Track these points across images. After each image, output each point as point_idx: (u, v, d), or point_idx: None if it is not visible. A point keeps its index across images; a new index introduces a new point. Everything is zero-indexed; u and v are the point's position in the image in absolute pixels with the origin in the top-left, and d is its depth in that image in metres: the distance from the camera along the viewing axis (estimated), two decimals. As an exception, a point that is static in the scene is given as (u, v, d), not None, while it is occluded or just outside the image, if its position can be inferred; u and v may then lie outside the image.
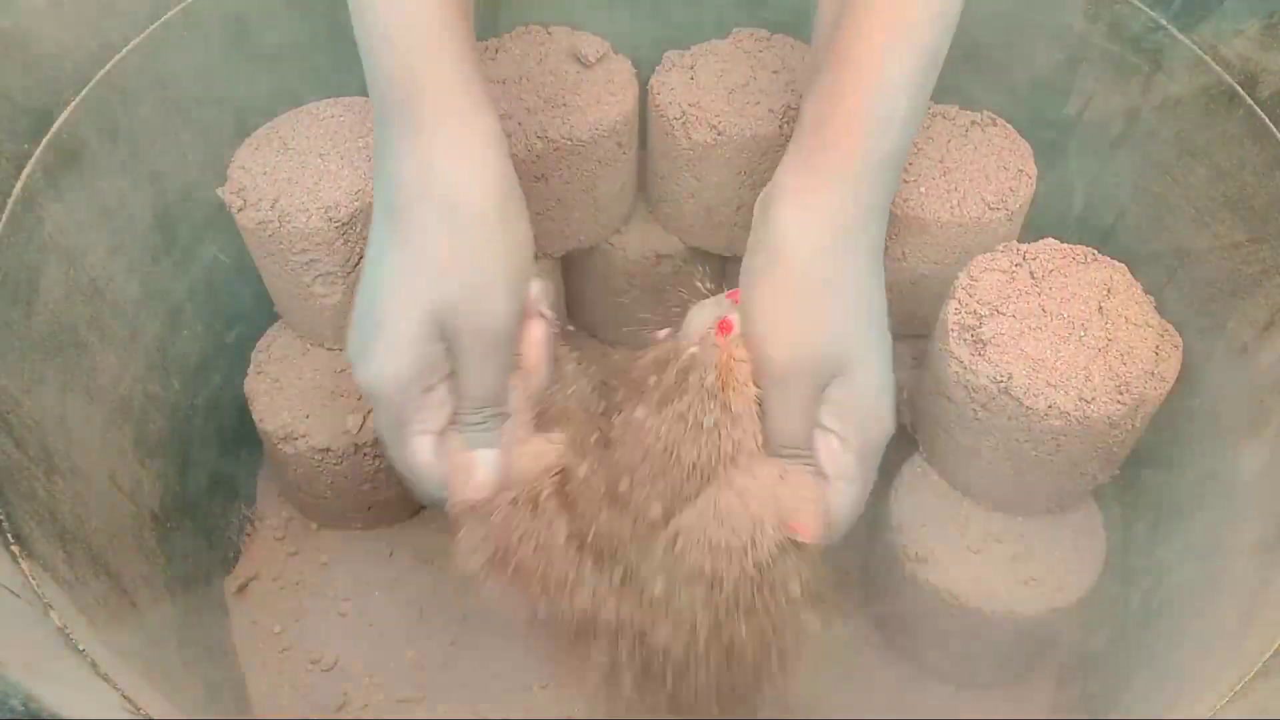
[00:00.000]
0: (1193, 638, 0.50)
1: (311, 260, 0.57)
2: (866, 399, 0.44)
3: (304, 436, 0.60)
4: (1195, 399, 0.57)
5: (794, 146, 0.44)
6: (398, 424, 0.45)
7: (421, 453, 0.45)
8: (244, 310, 0.68)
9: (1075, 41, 0.60)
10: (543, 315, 0.47)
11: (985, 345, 0.51)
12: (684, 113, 0.61)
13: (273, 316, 0.65)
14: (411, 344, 0.43)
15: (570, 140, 0.60)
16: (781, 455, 0.45)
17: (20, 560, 0.41)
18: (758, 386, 0.44)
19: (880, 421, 0.45)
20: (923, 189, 0.57)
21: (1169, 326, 0.52)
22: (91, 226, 0.53)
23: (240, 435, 0.70)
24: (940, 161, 0.59)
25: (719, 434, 0.45)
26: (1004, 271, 0.54)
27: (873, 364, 0.44)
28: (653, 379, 0.47)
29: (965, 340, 0.52)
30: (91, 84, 0.52)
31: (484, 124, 0.43)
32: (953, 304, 0.53)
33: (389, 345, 0.43)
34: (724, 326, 0.46)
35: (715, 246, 0.68)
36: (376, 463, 0.62)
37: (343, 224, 0.55)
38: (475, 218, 0.42)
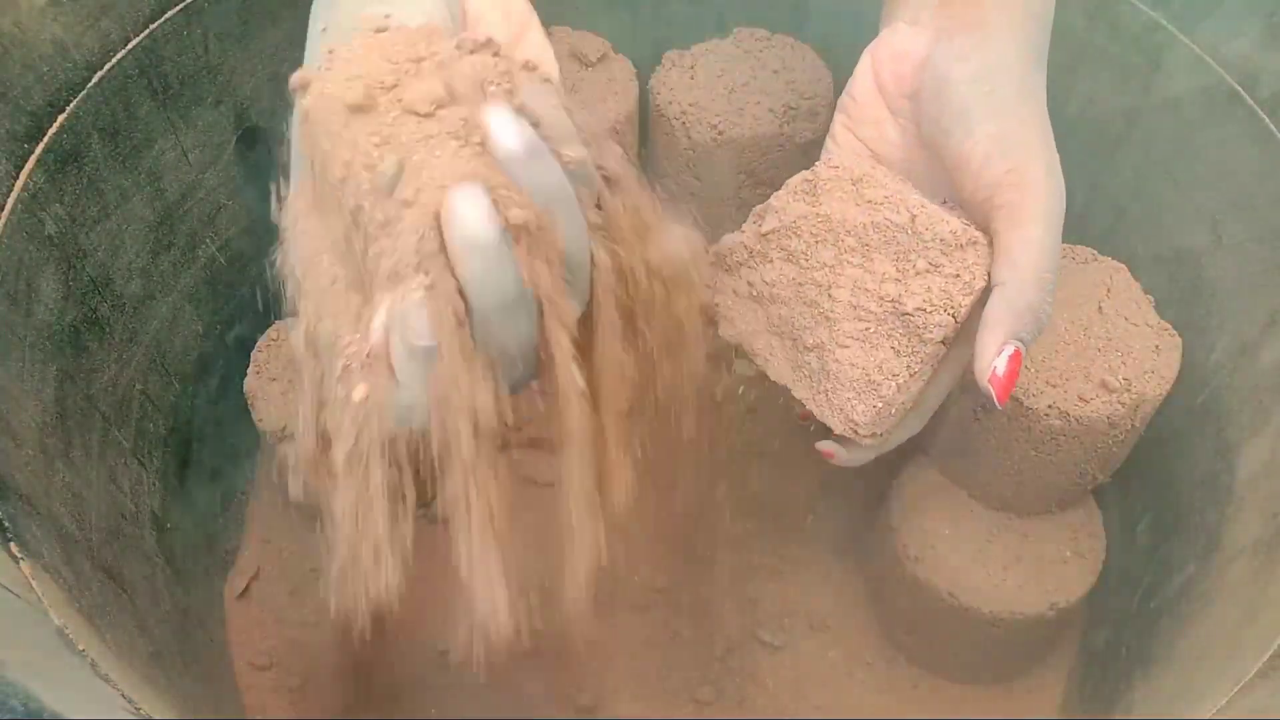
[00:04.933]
0: (1193, 638, 0.50)
1: None
2: (1050, 254, 0.40)
3: (304, 436, 0.60)
4: (1195, 399, 0.57)
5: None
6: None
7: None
8: (244, 310, 0.68)
9: (1075, 41, 0.60)
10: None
11: (985, 345, 0.51)
12: (684, 113, 0.61)
13: (273, 316, 0.65)
14: None
15: (570, 140, 0.60)
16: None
17: (20, 560, 0.41)
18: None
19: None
20: (923, 189, 0.57)
21: (1169, 326, 0.52)
22: (91, 226, 0.53)
23: (240, 435, 0.70)
24: (940, 161, 0.58)
25: None
26: (1004, 271, 0.54)
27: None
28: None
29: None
30: (91, 84, 0.52)
31: None
32: (953, 304, 0.53)
33: None
34: None
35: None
36: (376, 463, 0.62)
37: None
38: None
